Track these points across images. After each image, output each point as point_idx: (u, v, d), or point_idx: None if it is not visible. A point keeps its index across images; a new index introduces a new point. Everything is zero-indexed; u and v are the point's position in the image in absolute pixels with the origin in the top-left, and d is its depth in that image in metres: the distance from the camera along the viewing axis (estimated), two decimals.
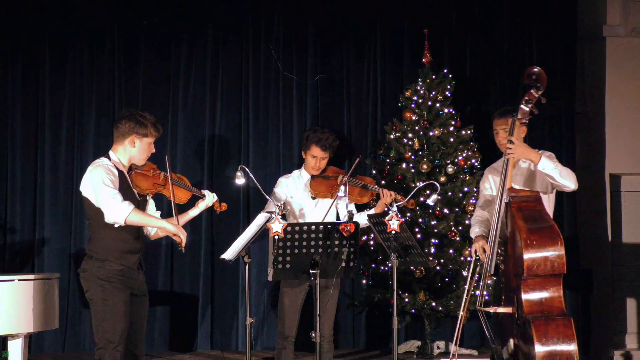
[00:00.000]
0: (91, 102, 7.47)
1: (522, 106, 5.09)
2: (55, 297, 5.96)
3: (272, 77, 7.66)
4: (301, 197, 5.86)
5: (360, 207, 6.12)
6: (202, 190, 5.07)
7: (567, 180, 5.07)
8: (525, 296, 4.84)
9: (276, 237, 4.90)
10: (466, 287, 5.29)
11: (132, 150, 4.80)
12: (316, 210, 5.81)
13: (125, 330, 4.66)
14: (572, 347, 4.73)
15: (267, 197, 5.67)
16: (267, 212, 5.16)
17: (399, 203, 5.49)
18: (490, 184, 5.50)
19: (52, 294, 5.89)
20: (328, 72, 7.71)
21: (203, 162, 7.54)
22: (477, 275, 5.32)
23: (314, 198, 5.82)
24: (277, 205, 5.29)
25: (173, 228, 4.76)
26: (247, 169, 5.46)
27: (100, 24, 7.49)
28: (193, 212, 5.08)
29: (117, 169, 4.75)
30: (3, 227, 7.31)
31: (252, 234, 5.12)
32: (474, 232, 5.39)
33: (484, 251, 5.17)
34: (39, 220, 7.36)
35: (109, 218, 4.61)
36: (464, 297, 5.24)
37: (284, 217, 5.85)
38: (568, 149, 7.77)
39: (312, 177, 5.84)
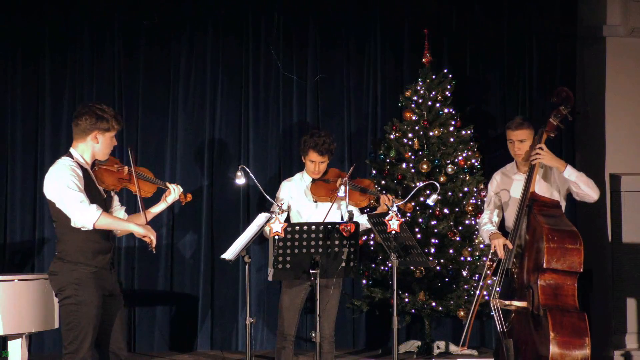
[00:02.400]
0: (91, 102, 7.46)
1: (550, 120, 5.47)
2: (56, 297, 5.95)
3: (272, 77, 7.66)
4: (302, 200, 5.85)
5: (360, 210, 6.12)
6: (167, 183, 4.93)
7: (590, 190, 5.38)
8: (541, 289, 5.07)
9: (276, 237, 4.90)
10: (480, 282, 5.40)
11: (95, 146, 4.65)
12: (317, 213, 5.81)
13: (96, 335, 4.55)
14: (585, 340, 4.98)
15: (267, 197, 5.66)
16: (268, 212, 5.16)
17: (398, 203, 5.50)
18: (499, 188, 5.67)
19: (52, 294, 5.87)
20: (328, 72, 7.71)
21: (203, 162, 7.54)
22: (491, 272, 5.42)
23: (315, 201, 5.82)
24: (278, 205, 5.29)
25: (142, 230, 4.61)
26: (247, 169, 5.46)
27: (101, 24, 7.48)
28: (160, 207, 4.92)
29: (80, 167, 4.60)
30: (3, 227, 7.31)
31: (253, 234, 5.12)
32: (489, 230, 5.52)
33: (503, 248, 5.32)
34: (39, 220, 7.36)
35: (76, 223, 4.48)
36: (478, 293, 5.39)
37: (287, 218, 5.85)
38: (568, 149, 7.78)
39: (313, 180, 5.83)
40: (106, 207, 4.70)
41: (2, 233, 7.32)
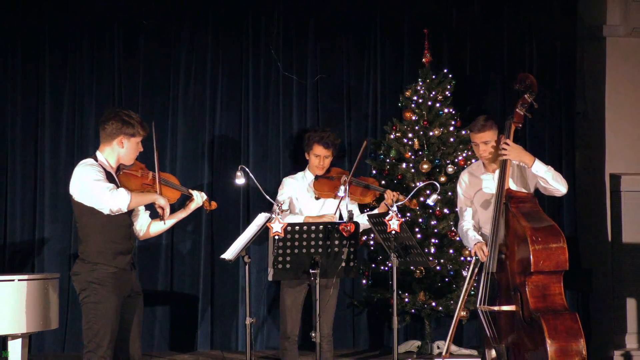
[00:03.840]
0: (91, 102, 7.47)
1: (517, 110, 5.27)
2: (55, 297, 5.96)
3: (272, 77, 7.66)
4: (305, 198, 5.85)
5: (362, 208, 6.11)
6: (191, 190, 5.06)
7: (559, 184, 5.19)
8: (530, 292, 4.96)
9: (276, 237, 4.90)
10: (463, 288, 5.35)
11: (120, 150, 4.77)
12: (320, 210, 5.81)
13: (115, 334, 4.66)
14: (580, 341, 4.86)
15: (267, 197, 5.67)
16: (267, 212, 5.16)
17: (400, 203, 5.50)
18: (469, 189, 5.51)
19: (52, 294, 5.89)
20: (328, 72, 7.71)
21: (203, 162, 7.54)
22: (475, 277, 5.37)
23: (317, 199, 5.82)
24: (277, 205, 5.30)
25: (162, 201, 4.81)
26: (247, 169, 5.46)
27: (101, 24, 7.49)
28: (182, 214, 5.08)
29: (104, 169, 4.71)
30: (3, 227, 7.31)
31: (252, 234, 5.12)
32: (474, 238, 5.38)
33: (483, 252, 5.22)
34: (39, 220, 7.36)
35: (112, 208, 4.60)
36: (461, 297, 5.31)
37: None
38: (568, 149, 7.78)
39: (316, 177, 5.84)
40: (129, 210, 4.79)
41: (2, 233, 7.32)
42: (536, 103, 5.28)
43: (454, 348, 7.22)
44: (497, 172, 5.30)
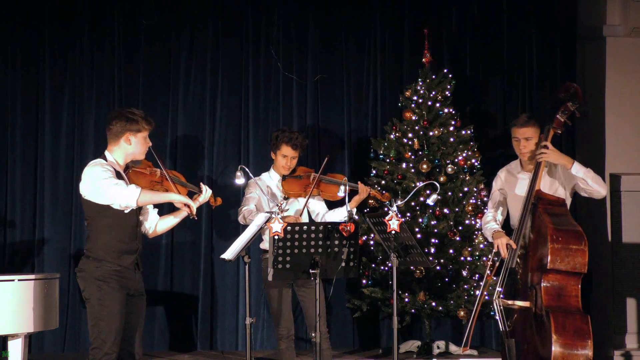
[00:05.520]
0: (91, 102, 7.47)
1: (558, 117, 5.42)
2: (55, 297, 5.96)
3: (272, 77, 7.67)
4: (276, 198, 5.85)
5: (334, 204, 6.04)
6: (201, 184, 5.10)
7: (598, 186, 5.34)
8: (545, 289, 5.04)
9: (276, 237, 4.90)
10: (484, 282, 5.40)
11: (128, 147, 4.82)
12: (290, 211, 5.81)
13: (121, 331, 4.70)
14: (587, 342, 4.93)
15: (267, 197, 5.67)
16: (267, 212, 5.17)
17: (398, 203, 5.49)
18: (504, 186, 5.61)
19: (52, 294, 5.89)
20: (328, 72, 7.71)
21: (203, 162, 7.54)
22: (495, 271, 5.40)
23: (286, 198, 5.81)
24: (278, 205, 5.30)
25: (183, 198, 4.84)
26: (247, 169, 5.47)
27: (101, 23, 7.49)
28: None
29: (113, 169, 4.76)
30: (3, 227, 7.31)
31: (252, 234, 5.13)
32: (492, 228, 5.45)
33: (506, 247, 5.27)
34: (39, 220, 7.36)
35: (121, 204, 4.63)
36: (479, 293, 5.35)
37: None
38: (568, 149, 7.76)
39: (283, 177, 5.84)
40: (138, 208, 4.83)
41: (2, 233, 7.32)
42: (579, 112, 5.43)
43: (453, 348, 7.22)
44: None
